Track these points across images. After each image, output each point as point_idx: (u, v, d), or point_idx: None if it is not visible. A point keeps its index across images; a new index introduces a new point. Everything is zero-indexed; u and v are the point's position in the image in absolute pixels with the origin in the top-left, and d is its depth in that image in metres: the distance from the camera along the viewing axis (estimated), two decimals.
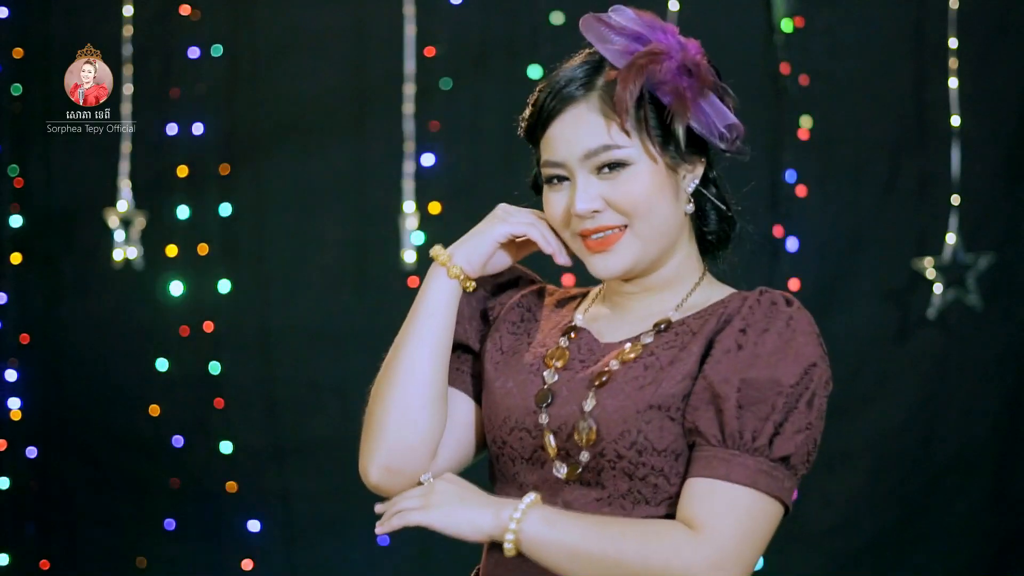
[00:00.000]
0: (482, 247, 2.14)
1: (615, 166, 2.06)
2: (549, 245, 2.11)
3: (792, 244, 4.89)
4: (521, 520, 1.91)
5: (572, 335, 2.15)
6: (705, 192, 2.14)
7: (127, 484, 5.09)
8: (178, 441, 5.05)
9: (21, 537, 5.10)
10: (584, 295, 2.26)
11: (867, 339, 4.92)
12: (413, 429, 2.15)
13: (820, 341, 2.02)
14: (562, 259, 2.12)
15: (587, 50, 2.13)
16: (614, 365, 2.07)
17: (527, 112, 2.16)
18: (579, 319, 2.18)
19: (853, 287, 4.95)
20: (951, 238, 4.75)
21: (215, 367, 4.98)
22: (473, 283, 2.15)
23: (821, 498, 4.92)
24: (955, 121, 4.75)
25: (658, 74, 2.03)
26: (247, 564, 4.99)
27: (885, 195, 4.92)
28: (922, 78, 4.87)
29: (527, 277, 2.31)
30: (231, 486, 5.00)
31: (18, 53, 5.02)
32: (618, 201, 2.05)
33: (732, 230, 2.21)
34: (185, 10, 4.97)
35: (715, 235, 2.18)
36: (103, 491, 5.10)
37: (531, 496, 1.94)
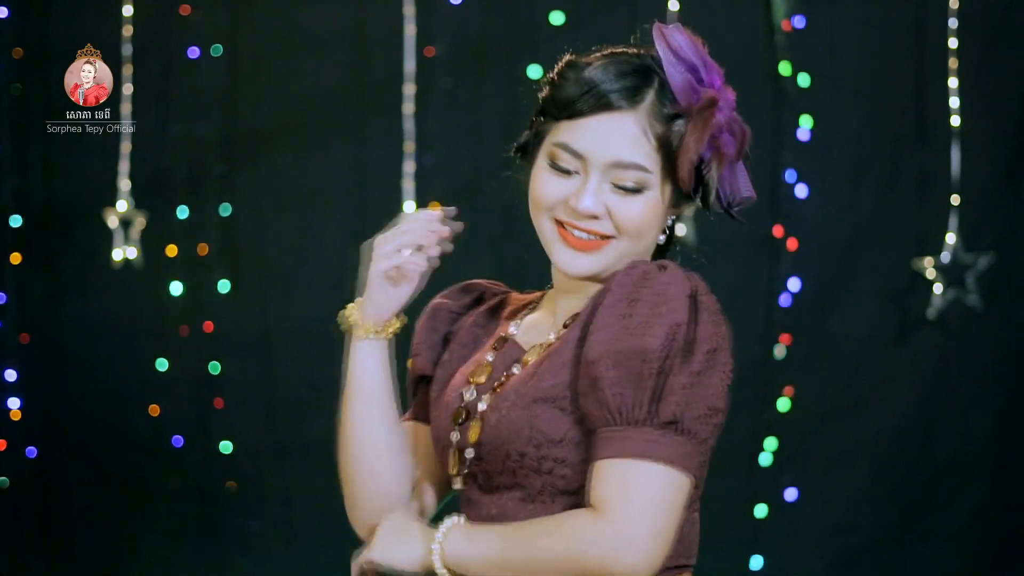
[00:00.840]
0: (374, 294, 2.10)
1: (631, 186, 2.05)
2: (434, 247, 2.14)
3: (792, 244, 4.88)
4: (444, 544, 1.95)
5: (497, 348, 2.15)
6: (674, 224, 2.14)
7: (127, 484, 5.09)
8: (178, 441, 5.05)
9: (21, 537, 5.10)
10: (539, 301, 2.25)
11: (867, 339, 4.93)
12: (382, 492, 2.14)
13: (694, 301, 1.99)
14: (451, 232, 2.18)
15: (631, 50, 2.10)
16: (515, 370, 2.08)
17: (555, 87, 2.10)
18: (512, 329, 2.17)
19: (853, 287, 4.94)
20: (951, 238, 4.76)
21: (215, 367, 4.99)
22: (394, 325, 2.12)
23: (821, 498, 4.95)
24: (955, 121, 4.76)
25: (718, 127, 2.04)
26: (247, 564, 5.00)
27: (885, 195, 4.92)
28: (922, 78, 4.88)
29: (490, 291, 2.31)
30: (231, 486, 5.00)
31: (18, 53, 5.02)
32: (620, 217, 2.04)
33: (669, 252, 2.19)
34: (185, 10, 4.97)
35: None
36: (103, 491, 5.11)
37: (452, 519, 1.97)
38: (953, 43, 4.75)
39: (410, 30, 4.77)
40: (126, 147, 4.88)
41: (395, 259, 2.09)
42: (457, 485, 2.11)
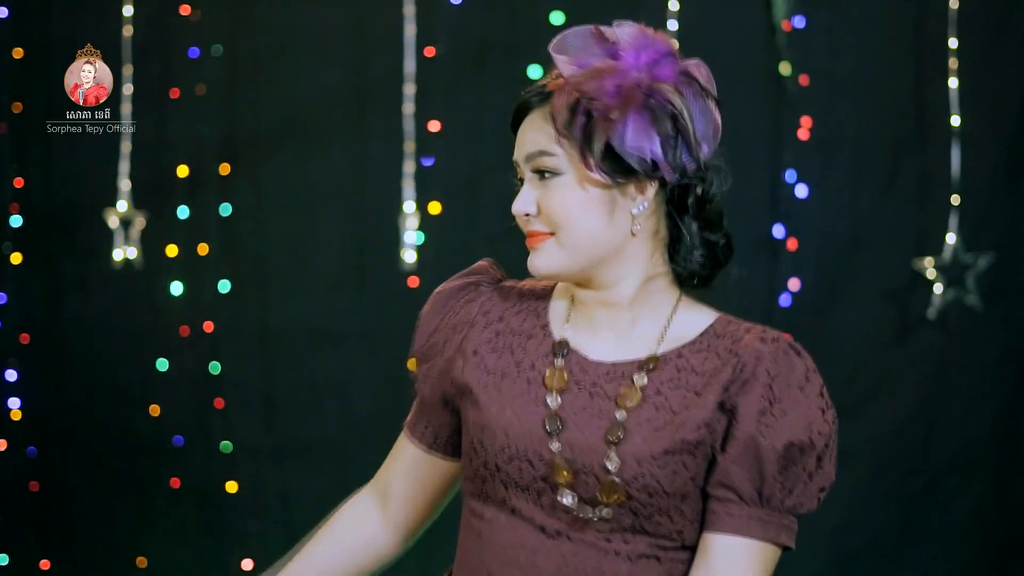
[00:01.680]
0: None
1: (547, 173, 2.07)
2: None
3: (792, 244, 4.88)
4: None
5: (564, 351, 2.14)
6: (677, 217, 2.11)
7: (127, 484, 5.11)
8: (178, 441, 5.06)
9: (21, 537, 5.11)
10: (546, 292, 2.25)
11: (867, 339, 4.94)
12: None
13: (826, 389, 2.07)
14: None
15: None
16: (620, 416, 2.06)
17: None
18: (568, 333, 2.16)
19: (853, 287, 4.95)
20: (951, 238, 4.75)
21: (215, 367, 4.99)
22: None
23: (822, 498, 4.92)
24: (955, 121, 4.75)
25: (593, 91, 2.03)
26: (247, 564, 5.00)
27: (885, 195, 4.92)
28: (922, 78, 4.88)
29: (480, 282, 2.35)
30: (231, 486, 5.01)
31: (18, 53, 5.02)
32: (545, 208, 2.07)
33: (709, 266, 2.13)
34: (185, 10, 4.97)
35: (684, 267, 2.11)
36: (103, 491, 5.12)
37: None
38: (953, 43, 4.74)
39: (410, 30, 4.78)
40: (126, 147, 4.89)
41: None
42: (567, 500, 2.07)
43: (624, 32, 2.08)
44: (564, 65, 2.05)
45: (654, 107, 2.03)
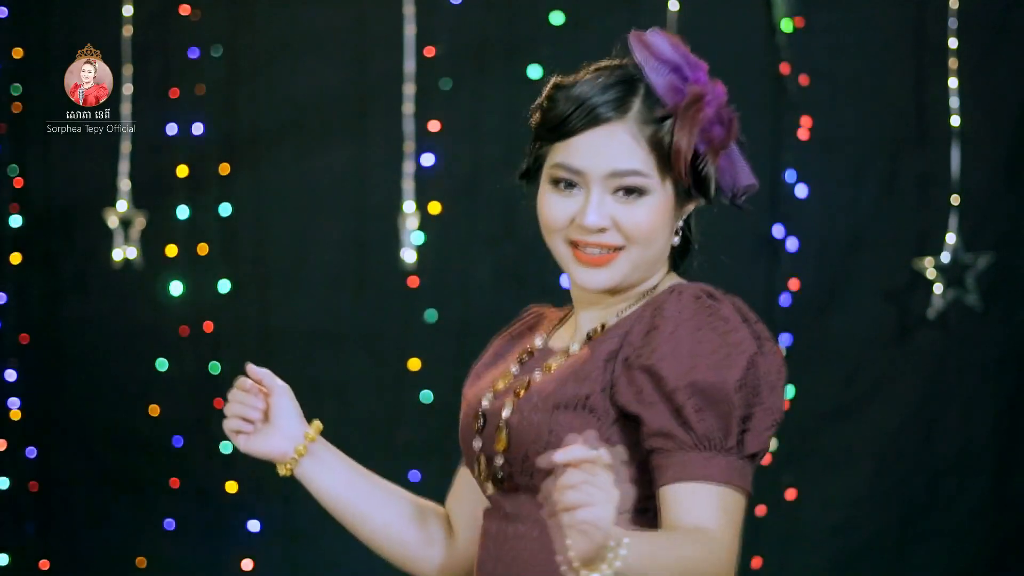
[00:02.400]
0: (259, 453, 2.34)
1: (633, 192, 2.08)
2: (241, 408, 2.36)
3: (792, 244, 4.90)
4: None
5: (523, 360, 2.18)
6: (691, 226, 2.19)
7: (127, 484, 5.09)
8: (178, 441, 5.04)
9: (21, 537, 5.11)
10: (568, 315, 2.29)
11: (867, 339, 4.93)
12: (420, 551, 2.33)
13: (757, 328, 2.05)
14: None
15: (614, 61, 2.15)
16: (537, 376, 2.11)
17: (545, 109, 2.15)
18: (538, 342, 2.21)
19: (853, 287, 4.94)
20: (951, 238, 4.77)
21: (215, 367, 5.00)
22: (297, 454, 2.35)
23: (821, 498, 4.97)
24: (955, 121, 4.77)
25: (705, 121, 2.06)
26: (247, 564, 5.02)
27: (885, 195, 4.94)
28: (922, 78, 4.89)
29: (536, 312, 2.36)
30: (231, 486, 4.99)
31: (18, 53, 5.06)
32: (626, 225, 2.07)
33: (685, 259, 2.23)
34: (185, 10, 4.99)
35: (684, 267, 2.21)
36: (103, 491, 5.10)
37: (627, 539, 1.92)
38: (953, 43, 4.76)
39: (410, 30, 4.77)
40: (126, 147, 4.88)
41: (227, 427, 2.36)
42: (488, 491, 2.13)
43: (663, 43, 2.10)
44: (660, 87, 2.06)
45: (739, 138, 2.14)
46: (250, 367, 2.44)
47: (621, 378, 2.03)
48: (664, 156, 2.05)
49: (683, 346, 1.99)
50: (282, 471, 2.35)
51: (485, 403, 2.15)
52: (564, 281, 4.47)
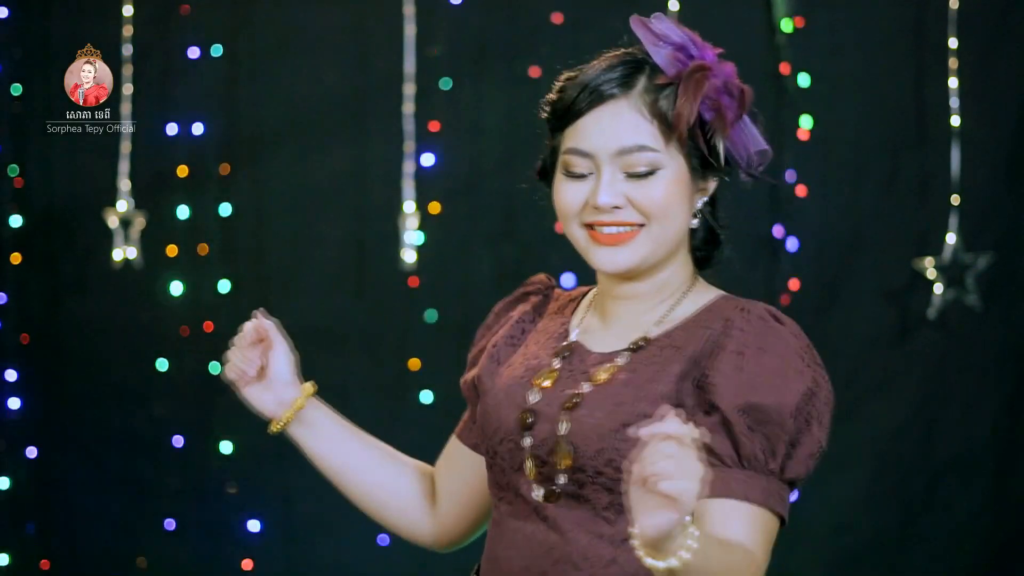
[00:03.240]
0: (251, 405, 2.42)
1: (642, 170, 2.08)
2: (243, 351, 2.49)
3: (792, 244, 4.90)
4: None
5: (564, 356, 2.17)
6: (702, 210, 2.17)
7: (127, 484, 5.12)
8: (178, 441, 5.08)
9: (22, 537, 5.15)
10: (583, 296, 2.28)
11: (867, 339, 4.93)
12: (406, 501, 2.37)
13: (814, 355, 2.05)
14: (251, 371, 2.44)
15: (620, 50, 2.15)
16: (586, 388, 2.09)
17: (554, 99, 2.16)
18: (574, 333, 2.19)
19: (853, 287, 4.94)
20: (951, 238, 4.77)
21: (215, 367, 4.98)
22: (293, 409, 2.41)
23: (821, 498, 4.90)
24: (955, 121, 4.76)
25: (711, 91, 2.07)
26: (247, 564, 5.03)
27: (885, 195, 4.93)
28: (922, 78, 4.89)
29: (536, 286, 2.35)
30: (231, 486, 5.04)
31: (18, 53, 5.09)
32: (641, 202, 2.07)
33: (716, 251, 2.21)
34: (185, 10, 5.02)
35: (700, 252, 2.19)
36: (103, 491, 5.13)
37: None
38: (953, 43, 4.77)
39: (410, 30, 4.78)
40: (126, 147, 4.91)
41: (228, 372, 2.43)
42: (533, 493, 2.11)
43: (667, 26, 2.12)
44: (661, 59, 2.07)
45: (752, 109, 2.12)
46: (259, 315, 2.51)
47: (690, 399, 2.03)
48: (672, 129, 2.06)
49: (747, 367, 1.99)
50: (273, 429, 2.40)
51: (533, 399, 2.12)
52: (565, 281, 4.50)
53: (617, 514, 2.03)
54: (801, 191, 4.88)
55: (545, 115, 2.18)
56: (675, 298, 2.14)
